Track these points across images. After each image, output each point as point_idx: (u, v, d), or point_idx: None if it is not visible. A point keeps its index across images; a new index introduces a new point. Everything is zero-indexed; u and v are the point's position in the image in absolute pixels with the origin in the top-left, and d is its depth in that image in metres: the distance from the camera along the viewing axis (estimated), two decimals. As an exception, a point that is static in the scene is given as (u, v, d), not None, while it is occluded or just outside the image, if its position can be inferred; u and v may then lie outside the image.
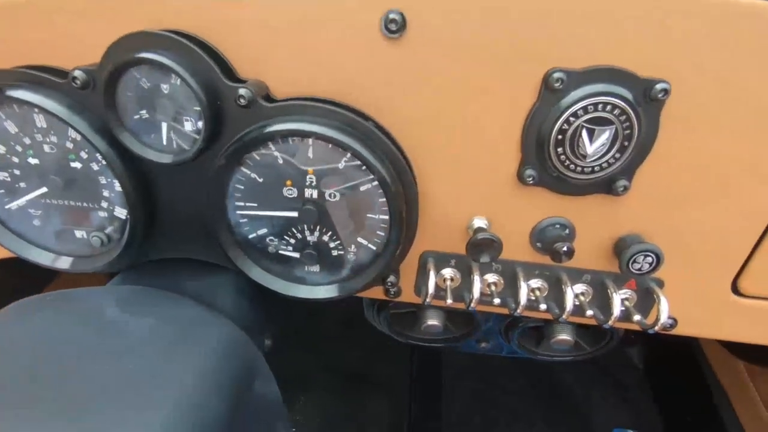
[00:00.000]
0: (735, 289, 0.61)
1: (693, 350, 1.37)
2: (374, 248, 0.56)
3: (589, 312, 0.59)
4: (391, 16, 0.46)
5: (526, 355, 0.86)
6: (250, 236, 0.57)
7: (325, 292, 0.58)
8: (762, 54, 0.45)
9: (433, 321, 0.76)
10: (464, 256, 0.60)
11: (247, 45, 0.49)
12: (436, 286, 0.61)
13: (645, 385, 1.57)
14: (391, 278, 0.58)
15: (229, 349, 0.45)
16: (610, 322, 0.59)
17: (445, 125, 0.52)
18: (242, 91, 0.46)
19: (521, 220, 0.57)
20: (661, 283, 0.61)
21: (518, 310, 0.59)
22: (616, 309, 0.58)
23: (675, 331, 0.65)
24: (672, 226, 0.56)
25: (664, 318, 0.58)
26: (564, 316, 0.59)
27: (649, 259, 0.54)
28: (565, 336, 0.76)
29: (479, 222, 0.57)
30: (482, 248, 0.53)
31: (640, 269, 0.55)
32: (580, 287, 0.61)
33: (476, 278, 0.58)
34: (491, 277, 0.62)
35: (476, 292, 0.58)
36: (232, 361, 0.44)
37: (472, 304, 0.59)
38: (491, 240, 0.52)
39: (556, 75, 0.47)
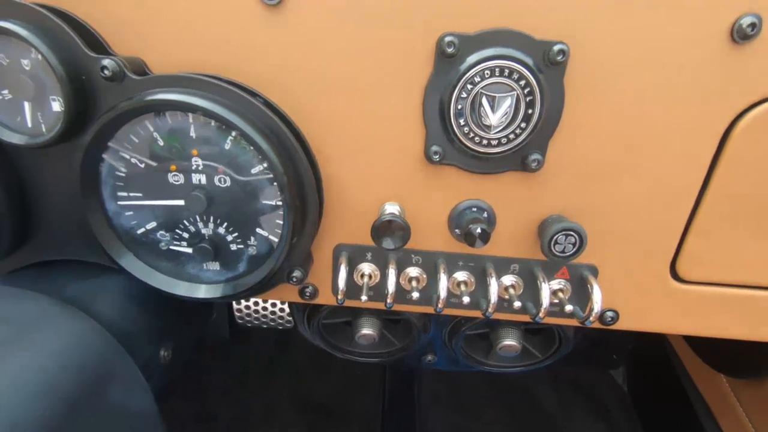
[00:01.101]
0: (675, 275, 0.56)
1: (676, 369, 1.32)
2: (276, 240, 0.51)
3: (517, 304, 0.54)
4: (267, -18, 0.43)
5: (480, 368, 0.80)
6: (139, 231, 0.51)
7: (207, 291, 0.52)
8: (664, 10, 0.43)
9: (367, 330, 0.70)
10: (382, 248, 0.56)
11: (122, 21, 0.46)
12: (354, 282, 0.56)
13: (629, 407, 1.50)
14: (297, 273, 0.52)
15: (67, 351, 0.39)
16: (540, 315, 0.53)
17: (341, 102, 0.48)
18: (106, 62, 0.43)
19: (436, 205, 0.53)
20: (595, 271, 0.56)
21: (439, 306, 0.53)
22: (545, 300, 0.53)
23: (618, 326, 0.59)
24: (596, 205, 0.52)
25: (597, 308, 0.53)
26: (490, 310, 0.54)
27: (572, 239, 0.50)
28: (510, 341, 0.70)
29: (391, 208, 0.52)
30: (385, 232, 0.48)
31: (563, 251, 0.50)
32: (509, 279, 0.56)
33: (391, 272, 0.53)
34: (413, 271, 0.56)
35: (391, 286, 0.53)
36: (70, 363, 0.38)
37: (389, 300, 0.53)
38: (394, 222, 0.47)
39: (448, 39, 0.44)
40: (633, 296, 0.58)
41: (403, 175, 0.51)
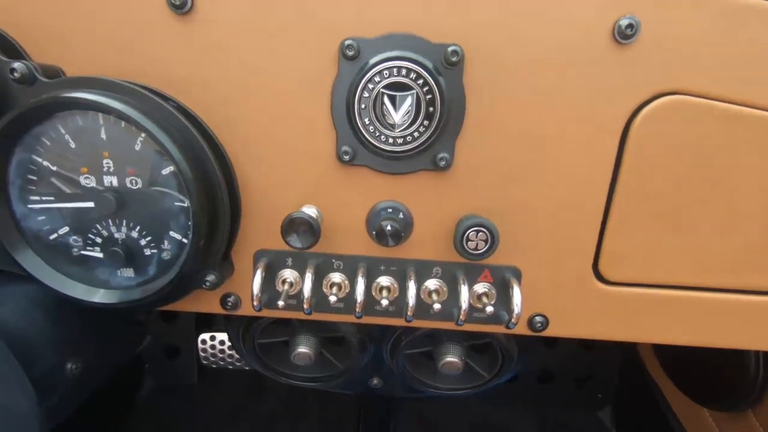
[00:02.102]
0: (599, 276, 0.56)
1: (661, 407, 1.28)
2: (187, 242, 0.51)
3: (437, 306, 0.53)
4: (176, -8, 0.46)
5: (428, 392, 0.76)
6: (51, 237, 0.51)
7: (104, 296, 0.51)
8: (549, 12, 0.46)
9: (302, 348, 0.67)
10: (302, 253, 0.55)
11: (41, 30, 0.48)
12: (276, 290, 0.55)
13: None
14: (210, 277, 0.51)
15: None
16: (461, 318, 0.52)
17: (252, 107, 0.50)
18: (15, 65, 0.44)
19: (353, 207, 0.53)
20: (518, 273, 0.55)
21: (357, 310, 0.52)
22: (464, 302, 0.52)
23: (549, 332, 0.58)
24: (510, 204, 0.53)
25: (518, 310, 0.52)
26: (410, 313, 0.52)
27: (483, 236, 0.50)
28: (451, 358, 0.68)
29: (309, 211, 0.52)
30: (289, 229, 0.48)
31: (476, 248, 0.50)
32: (433, 283, 0.56)
33: (308, 277, 0.52)
34: (335, 277, 0.56)
35: (307, 292, 0.52)
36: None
37: (305, 306, 0.52)
38: (297, 218, 0.47)
39: (348, 43, 0.47)
40: (560, 300, 0.57)
41: (318, 178, 0.52)
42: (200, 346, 1.44)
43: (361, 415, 1.44)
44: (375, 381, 0.79)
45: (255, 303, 0.52)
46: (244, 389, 1.58)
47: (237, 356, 1.40)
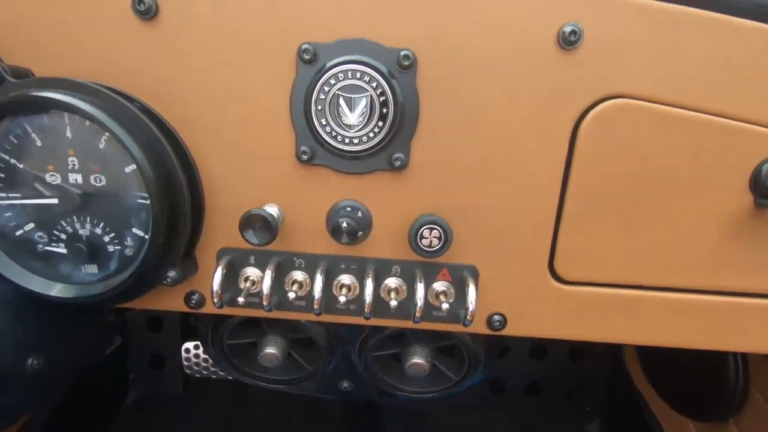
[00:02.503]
0: (555, 275, 0.57)
1: (647, 418, 1.28)
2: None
3: (393, 304, 0.54)
4: (142, 0, 0.48)
5: (397, 394, 0.76)
6: (17, 233, 0.52)
7: (61, 290, 0.52)
8: (497, 19, 0.49)
9: (270, 349, 0.68)
10: (264, 252, 0.56)
11: (12, 32, 0.50)
12: (239, 287, 0.56)
13: None
14: (171, 273, 0.53)
15: None
16: (417, 314, 0.53)
17: (215, 109, 0.52)
18: None
19: (313, 206, 0.55)
20: (475, 272, 0.56)
21: (315, 307, 0.53)
22: (420, 300, 0.53)
23: (508, 331, 0.59)
24: (466, 204, 0.54)
25: (472, 307, 0.53)
26: (367, 310, 0.53)
27: (437, 233, 0.51)
28: (417, 359, 0.68)
29: (271, 210, 0.54)
30: (245, 225, 0.49)
31: (430, 246, 0.52)
32: (393, 281, 0.57)
33: (268, 273, 0.54)
34: (297, 275, 0.57)
35: (266, 289, 0.53)
36: None
37: (265, 303, 0.53)
38: (253, 215, 0.49)
39: (305, 47, 0.49)
40: (517, 298, 0.58)
41: (279, 177, 0.54)
42: (184, 355, 1.43)
43: (347, 426, 1.43)
44: (345, 384, 0.79)
45: (215, 300, 0.53)
46: (229, 399, 1.57)
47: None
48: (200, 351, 1.43)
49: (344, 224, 0.50)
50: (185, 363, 1.41)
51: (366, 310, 0.53)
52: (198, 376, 1.42)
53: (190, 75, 0.51)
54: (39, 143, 0.49)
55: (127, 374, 1.54)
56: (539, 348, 1.54)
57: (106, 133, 0.49)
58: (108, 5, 0.49)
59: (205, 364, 1.45)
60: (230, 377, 1.35)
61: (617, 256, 0.55)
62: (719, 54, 0.49)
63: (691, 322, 0.57)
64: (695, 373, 1.24)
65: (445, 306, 0.54)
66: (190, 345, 1.42)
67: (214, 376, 1.40)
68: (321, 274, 0.54)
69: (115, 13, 0.49)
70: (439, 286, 0.57)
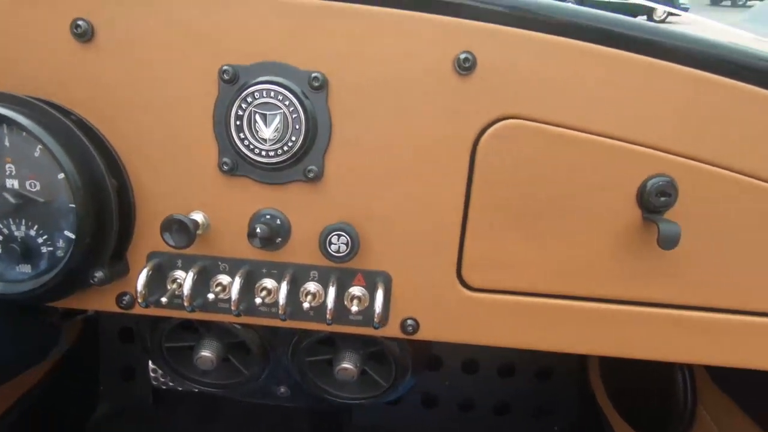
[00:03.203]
0: (463, 283, 0.61)
1: None
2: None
3: (306, 306, 0.57)
4: (79, 23, 0.54)
5: (331, 399, 0.79)
6: (-44, 234, 0.56)
7: None
8: (399, 46, 0.54)
9: (204, 352, 0.71)
10: (191, 256, 0.60)
11: None
12: (167, 289, 0.60)
13: None
14: (99, 274, 0.56)
15: None
16: (328, 317, 0.57)
17: (148, 123, 0.57)
18: None
19: (237, 214, 0.59)
20: (388, 278, 0.60)
21: (233, 308, 0.57)
22: (330, 302, 0.57)
23: (420, 335, 0.62)
24: (377, 213, 0.58)
25: (379, 310, 0.57)
26: (281, 312, 0.57)
27: (344, 240, 0.55)
28: (346, 365, 0.71)
29: (196, 216, 0.58)
30: (163, 228, 0.53)
31: (338, 251, 0.56)
32: (312, 286, 0.60)
33: (190, 276, 0.57)
34: (221, 278, 0.60)
35: (187, 289, 0.56)
36: None
37: (185, 303, 0.57)
38: (171, 218, 0.53)
39: (225, 68, 0.54)
40: (429, 305, 0.61)
41: (204, 187, 0.58)
42: (151, 366, 1.43)
43: None
44: (282, 389, 0.81)
45: (140, 300, 0.57)
46: (198, 413, 1.57)
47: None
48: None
49: (258, 230, 0.54)
50: (152, 374, 1.41)
51: (280, 312, 0.57)
52: (164, 387, 1.42)
53: (124, 91, 0.56)
54: (-22, 151, 0.54)
55: (98, 386, 1.55)
56: (508, 367, 1.56)
57: (40, 144, 0.53)
58: (49, 29, 0.54)
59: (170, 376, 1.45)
60: (196, 389, 1.36)
61: (520, 265, 0.59)
62: (599, 80, 0.54)
63: (590, 328, 0.61)
64: (649, 392, 1.26)
65: (359, 309, 0.58)
66: (156, 356, 1.42)
67: (179, 388, 1.40)
68: (241, 276, 0.58)
69: (55, 35, 0.54)
70: (355, 290, 0.60)
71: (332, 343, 0.74)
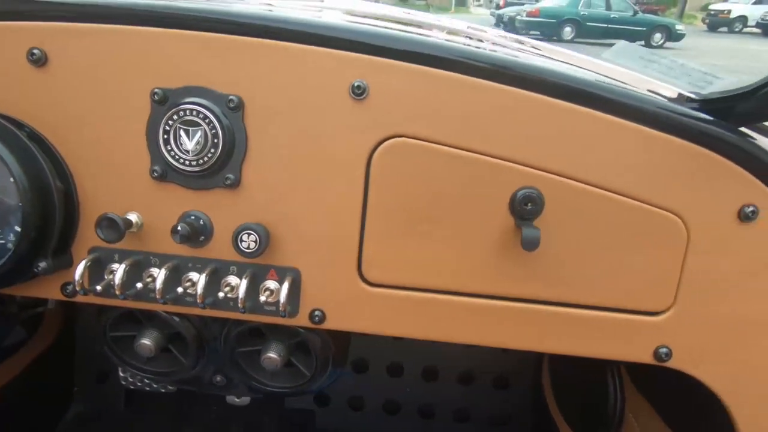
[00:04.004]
0: (363, 278, 0.69)
1: None
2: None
3: (221, 295, 0.66)
4: (34, 51, 0.64)
5: (259, 387, 0.86)
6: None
7: None
8: (302, 76, 0.64)
9: (144, 340, 0.79)
10: (127, 251, 0.69)
11: None
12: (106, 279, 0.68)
13: None
14: (42, 264, 0.65)
15: None
16: (240, 305, 0.65)
17: (91, 135, 0.66)
18: None
19: (167, 215, 0.68)
20: (297, 273, 0.69)
21: (158, 296, 0.65)
22: (241, 293, 0.65)
23: (327, 325, 0.70)
24: (290, 216, 0.67)
25: (283, 300, 0.65)
26: (199, 301, 0.66)
27: (254, 238, 0.64)
28: (271, 354, 0.79)
29: (131, 216, 0.67)
30: (97, 225, 0.62)
31: (248, 248, 0.64)
32: (232, 279, 0.69)
33: (122, 267, 0.66)
34: (153, 271, 0.69)
35: (118, 279, 0.65)
36: None
37: (117, 291, 0.66)
38: (101, 216, 0.62)
39: (156, 90, 0.64)
40: (334, 298, 0.70)
41: (139, 191, 0.67)
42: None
43: None
44: (218, 378, 0.89)
45: (77, 287, 0.66)
46: (169, 417, 1.62)
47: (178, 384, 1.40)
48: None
49: (179, 228, 0.63)
50: (122, 374, 1.46)
51: (199, 301, 0.65)
52: (132, 388, 1.46)
53: (72, 108, 0.66)
54: (-55, 157, 0.63)
55: (72, 387, 1.61)
56: (467, 375, 1.63)
57: (-5, 151, 0.63)
58: (8, 56, 0.64)
59: (140, 375, 1.50)
60: (164, 390, 1.41)
61: (411, 264, 0.68)
62: (473, 106, 0.63)
63: (472, 321, 0.69)
64: (588, 399, 1.33)
65: (271, 301, 0.67)
66: (126, 356, 1.48)
67: (147, 389, 1.45)
68: (167, 269, 0.66)
69: (13, 61, 0.64)
70: (269, 284, 0.69)
71: (261, 335, 0.82)
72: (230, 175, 0.65)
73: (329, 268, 0.69)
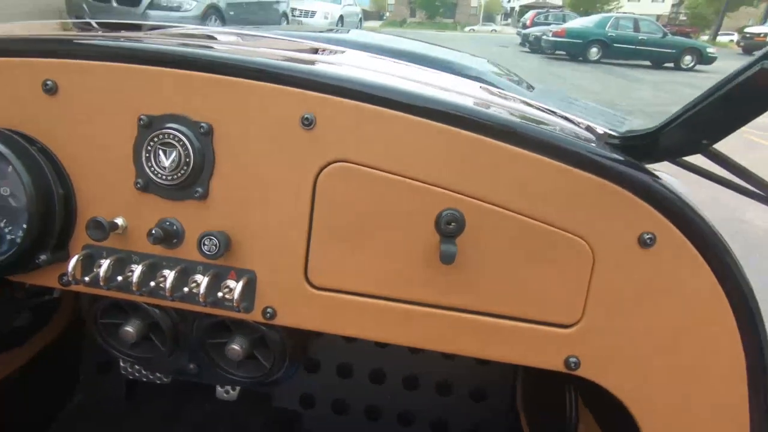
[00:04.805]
0: (309, 282, 0.80)
1: None
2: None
3: (185, 290, 0.78)
4: (48, 82, 0.78)
5: (226, 375, 0.97)
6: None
7: None
8: (259, 108, 0.76)
9: (127, 327, 0.92)
10: (113, 249, 0.82)
11: None
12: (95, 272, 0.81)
13: None
14: (42, 256, 0.78)
15: None
16: (201, 299, 0.77)
17: (88, 152, 0.80)
18: None
19: (148, 220, 0.80)
20: (253, 275, 0.80)
21: (134, 288, 0.78)
22: (203, 288, 0.77)
23: (278, 321, 0.81)
24: (247, 225, 0.79)
25: (236, 297, 0.76)
26: (167, 294, 0.77)
27: (214, 242, 0.76)
28: (234, 346, 0.90)
29: (118, 220, 0.80)
30: (87, 226, 0.75)
31: (209, 250, 0.76)
32: (198, 277, 0.81)
33: (106, 263, 0.79)
34: (133, 267, 0.82)
35: (102, 271, 0.78)
36: None
37: (101, 282, 0.78)
38: (92, 219, 0.75)
39: (142, 116, 0.77)
40: (285, 297, 0.80)
41: (125, 199, 0.80)
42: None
43: None
44: (192, 366, 1.00)
45: (69, 277, 0.78)
46: (163, 413, 1.74)
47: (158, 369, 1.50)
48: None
49: (153, 231, 0.76)
50: (122, 364, 1.57)
51: (167, 294, 0.77)
52: (131, 378, 1.57)
53: (75, 129, 0.79)
54: (-28, 164, 0.78)
55: (77, 377, 1.75)
56: (445, 385, 1.70)
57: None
58: (26, 84, 0.79)
59: (138, 366, 1.61)
60: (160, 382, 1.52)
61: (350, 271, 0.78)
62: (401, 139, 0.74)
63: (405, 325, 0.78)
64: (549, 413, 1.39)
65: (229, 297, 0.78)
66: (128, 347, 1.60)
67: (144, 380, 1.56)
68: (143, 265, 0.79)
69: (29, 88, 0.79)
70: (229, 283, 0.80)
71: (228, 329, 0.93)
72: (199, 189, 0.78)
73: (280, 271, 0.80)
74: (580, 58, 19.16)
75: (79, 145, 0.80)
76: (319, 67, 0.80)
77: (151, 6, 8.70)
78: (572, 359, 0.76)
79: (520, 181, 0.73)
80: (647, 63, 19.84)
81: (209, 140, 0.77)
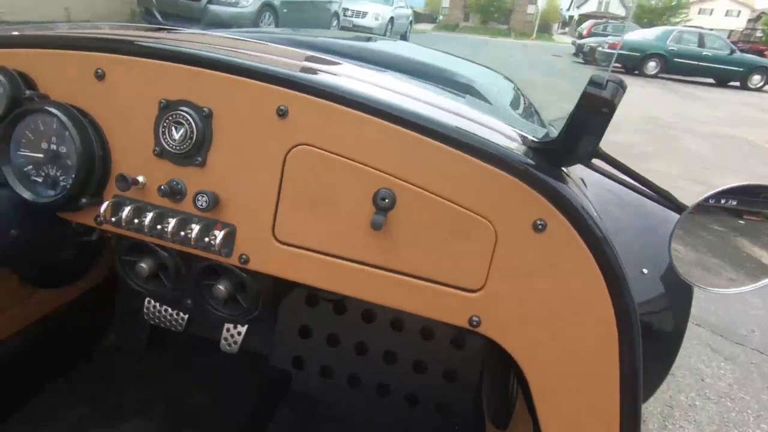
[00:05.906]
0: (276, 238, 1.01)
1: None
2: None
3: (182, 234, 1.02)
4: (98, 70, 1.04)
5: (215, 312, 1.21)
6: (24, 169, 1.08)
7: (29, 197, 1.04)
8: (240, 98, 0.98)
9: (141, 264, 1.17)
10: (134, 200, 1.07)
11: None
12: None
13: None
14: (84, 200, 1.04)
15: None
16: (192, 242, 1.00)
17: (123, 124, 1.05)
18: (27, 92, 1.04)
19: (160, 179, 1.05)
20: (234, 228, 1.03)
21: (146, 230, 1.02)
22: (194, 233, 1.00)
23: (250, 266, 1.03)
24: (232, 187, 1.02)
25: (218, 242, 0.99)
26: (169, 236, 1.02)
27: (205, 199, 0.99)
28: (220, 286, 1.14)
29: (139, 177, 1.05)
30: (116, 180, 1.01)
31: (202, 205, 0.99)
32: (194, 226, 1.04)
33: (126, 210, 1.04)
34: (148, 215, 1.06)
35: (125, 214, 1.03)
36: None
37: (123, 223, 1.03)
38: (119, 173, 1.00)
39: (162, 100, 1.01)
40: (256, 248, 1.02)
41: (146, 162, 1.05)
42: (145, 305, 1.82)
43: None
44: (188, 301, 1.25)
45: (100, 218, 1.04)
46: (173, 363, 2.00)
47: (163, 314, 1.73)
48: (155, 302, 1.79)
49: (162, 188, 1.00)
50: (145, 312, 1.80)
51: (169, 236, 1.01)
52: (152, 323, 1.80)
53: (114, 107, 1.05)
54: (38, 131, 1.05)
55: (112, 320, 2.06)
56: (421, 364, 1.89)
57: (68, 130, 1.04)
58: (82, 71, 1.05)
59: (155, 312, 1.80)
60: (179, 328, 1.74)
61: (308, 232, 0.99)
62: (353, 130, 0.94)
63: (353, 279, 0.98)
64: (500, 391, 1.54)
65: (214, 243, 1.01)
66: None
67: (162, 326, 1.78)
68: (154, 213, 1.03)
69: (85, 74, 1.05)
70: (216, 233, 1.03)
71: (217, 273, 1.17)
72: (199, 158, 1.01)
73: (254, 227, 1.02)
74: (636, 72, 18.46)
75: (116, 119, 1.06)
76: (294, 71, 1.02)
77: (211, 1, 9.32)
78: (475, 318, 0.93)
79: (442, 171, 0.92)
80: (710, 81, 18.81)
81: (209, 121, 1.00)
